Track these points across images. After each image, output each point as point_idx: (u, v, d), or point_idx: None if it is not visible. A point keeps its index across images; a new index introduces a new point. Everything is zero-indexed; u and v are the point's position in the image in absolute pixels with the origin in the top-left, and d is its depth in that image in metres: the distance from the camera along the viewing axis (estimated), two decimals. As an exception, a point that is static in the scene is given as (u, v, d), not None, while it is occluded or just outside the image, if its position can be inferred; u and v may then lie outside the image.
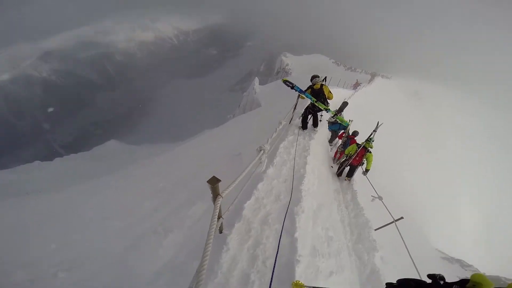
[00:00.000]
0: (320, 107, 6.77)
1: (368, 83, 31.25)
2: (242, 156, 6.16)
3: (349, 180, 6.60)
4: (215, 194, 2.19)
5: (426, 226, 14.22)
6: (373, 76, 37.17)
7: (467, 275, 10.39)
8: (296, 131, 7.07)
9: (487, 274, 10.91)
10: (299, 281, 2.52)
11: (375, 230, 4.87)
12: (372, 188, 5.73)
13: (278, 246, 2.65)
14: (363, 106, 17.73)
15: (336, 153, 8.08)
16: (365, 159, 6.42)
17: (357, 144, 6.57)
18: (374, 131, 6.33)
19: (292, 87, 6.74)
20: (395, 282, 1.58)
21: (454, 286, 1.27)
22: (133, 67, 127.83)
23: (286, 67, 53.20)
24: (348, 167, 6.60)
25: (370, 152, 6.34)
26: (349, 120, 8.53)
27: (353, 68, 50.42)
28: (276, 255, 2.47)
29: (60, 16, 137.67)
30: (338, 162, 7.52)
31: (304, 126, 7.43)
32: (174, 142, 33.69)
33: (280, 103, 17.21)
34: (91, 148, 48.38)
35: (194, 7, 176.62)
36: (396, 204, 10.87)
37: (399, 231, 4.30)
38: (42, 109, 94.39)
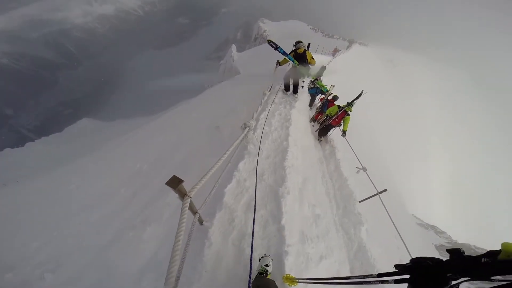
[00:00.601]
0: (302, 72, 6.95)
1: (346, 49, 30.80)
2: (221, 129, 5.75)
3: (324, 139, 7.25)
4: (182, 194, 1.79)
5: (401, 189, 15.06)
6: (351, 43, 36.52)
7: (441, 242, 11.27)
8: (277, 100, 6.70)
9: (458, 242, 11.90)
10: (289, 274, 2.31)
11: (360, 202, 4.83)
12: (356, 157, 5.68)
13: (251, 261, 2.37)
14: (341, 72, 17.52)
15: (316, 114, 8.46)
16: (342, 121, 6.83)
17: (339, 106, 6.92)
18: (357, 98, 6.61)
19: (276, 48, 6.75)
20: (407, 262, 1.37)
21: (483, 259, 1.08)
22: (96, 43, 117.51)
23: (264, 33, 51.00)
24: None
25: (349, 115, 6.75)
26: (331, 85, 8.77)
27: (330, 35, 49.22)
28: (250, 269, 2.19)
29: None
30: (317, 122, 7.93)
31: (286, 89, 7.57)
32: (149, 115, 31.98)
33: (259, 69, 16.49)
34: (63, 129, 45.37)
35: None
36: (374, 168, 11.23)
37: (384, 204, 4.26)
38: (0, 94, 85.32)
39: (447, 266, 1.17)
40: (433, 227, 13.20)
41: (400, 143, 21.14)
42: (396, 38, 60.35)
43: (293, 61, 6.72)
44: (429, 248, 10.39)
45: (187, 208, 1.70)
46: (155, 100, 77.73)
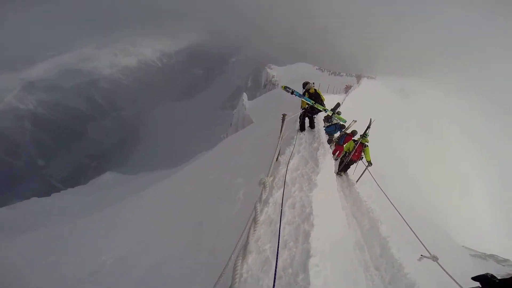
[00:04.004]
0: (320, 108, 6.97)
1: (357, 84, 31.07)
2: (204, 228, 4.52)
3: (345, 174, 7.48)
4: None
5: (443, 222, 13.41)
6: (359, 78, 37.08)
7: (507, 270, 9.43)
8: (288, 177, 4.35)
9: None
10: None
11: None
12: (413, 234, 4.00)
13: None
14: (355, 109, 17.25)
15: (335, 149, 8.56)
16: (363, 154, 7.15)
17: (354, 140, 7.34)
18: (368, 127, 7.22)
19: (292, 93, 6.92)
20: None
21: None
22: (121, 94, 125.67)
23: (273, 79, 52.98)
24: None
25: (367, 146, 7.09)
26: (352, 121, 9.58)
27: (337, 73, 50.31)
28: None
29: (38, 43, 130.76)
30: (336, 158, 8.20)
31: (302, 128, 7.52)
32: (170, 168, 32.46)
33: (270, 118, 16.42)
34: (88, 181, 47.01)
35: (173, 27, 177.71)
36: (411, 205, 10.05)
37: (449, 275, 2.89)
38: (35, 144, 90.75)
39: None
40: (491, 256, 11.35)
41: (431, 173, 19.49)
42: (403, 68, 60.71)
43: (309, 101, 6.79)
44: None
45: None
46: (177, 150, 79.91)
